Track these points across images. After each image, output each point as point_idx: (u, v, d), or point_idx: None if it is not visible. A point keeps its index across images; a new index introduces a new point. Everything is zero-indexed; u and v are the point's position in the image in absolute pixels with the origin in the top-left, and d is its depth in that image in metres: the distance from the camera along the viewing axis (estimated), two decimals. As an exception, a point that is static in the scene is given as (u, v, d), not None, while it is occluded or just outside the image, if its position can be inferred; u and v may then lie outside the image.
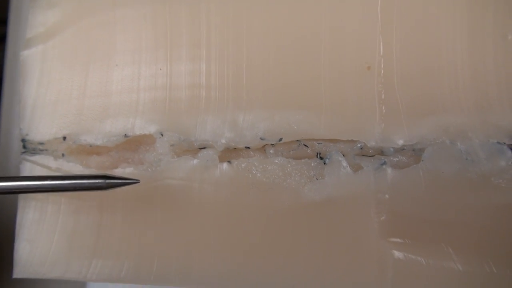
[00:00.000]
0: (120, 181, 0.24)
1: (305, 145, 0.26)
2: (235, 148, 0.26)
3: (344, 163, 0.25)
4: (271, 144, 0.26)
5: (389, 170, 0.25)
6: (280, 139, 0.26)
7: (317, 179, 0.25)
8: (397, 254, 0.24)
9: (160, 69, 0.27)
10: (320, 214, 0.25)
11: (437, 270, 0.24)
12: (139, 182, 0.24)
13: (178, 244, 0.26)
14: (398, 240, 0.24)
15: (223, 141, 0.26)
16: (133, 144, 0.28)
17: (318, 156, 0.26)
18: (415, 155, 0.25)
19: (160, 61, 0.27)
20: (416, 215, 0.25)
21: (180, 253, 0.26)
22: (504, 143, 0.24)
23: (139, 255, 0.26)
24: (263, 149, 0.27)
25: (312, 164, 0.26)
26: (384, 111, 0.25)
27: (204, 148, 0.26)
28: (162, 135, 0.26)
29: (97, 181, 0.24)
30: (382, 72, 0.25)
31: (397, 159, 0.25)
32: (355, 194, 0.25)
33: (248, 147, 0.26)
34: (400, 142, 0.25)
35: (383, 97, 0.25)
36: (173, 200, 0.26)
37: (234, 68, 0.26)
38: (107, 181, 0.24)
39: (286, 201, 0.25)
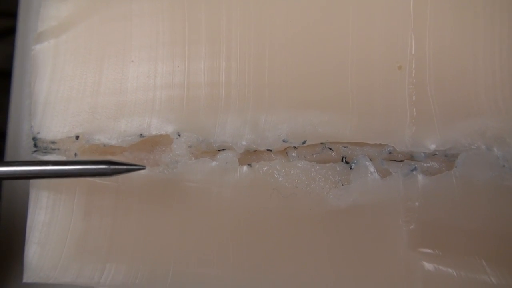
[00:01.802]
0: (124, 167, 0.23)
1: (330, 149, 0.25)
2: (255, 151, 0.25)
3: (372, 168, 0.24)
4: (294, 146, 0.25)
5: (419, 177, 0.24)
6: (304, 142, 0.24)
7: (342, 185, 0.24)
8: (427, 265, 0.23)
9: (178, 66, 0.26)
10: (345, 222, 0.24)
11: (469, 283, 0.23)
12: (144, 168, 0.23)
13: (195, 249, 0.25)
14: (428, 250, 0.23)
15: (244, 142, 0.25)
16: (148, 145, 0.27)
17: (344, 160, 0.24)
18: (447, 161, 0.24)
19: (177, 58, 0.26)
20: (447, 224, 0.23)
21: (197, 259, 0.25)
22: (541, 149, 0.23)
23: (154, 260, 0.25)
24: (285, 151, 0.25)
25: (338, 169, 0.24)
26: (415, 113, 0.24)
27: (223, 150, 0.25)
28: (179, 135, 0.25)
29: (101, 166, 0.22)
30: (414, 72, 0.24)
31: (428, 164, 0.24)
32: (383, 201, 0.24)
33: (270, 150, 0.25)
34: (432, 147, 0.23)
35: (414, 98, 0.24)
36: (190, 204, 0.25)
37: (256, 66, 0.25)
38: (111, 166, 0.22)
39: (309, 208, 0.24)
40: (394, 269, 0.23)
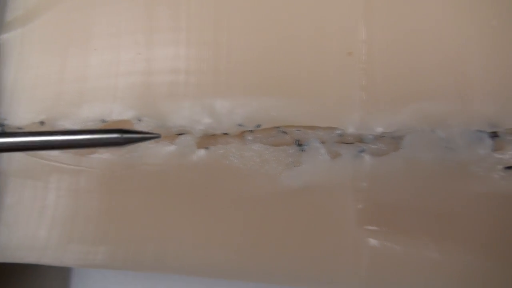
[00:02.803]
0: (138, 135, 0.21)
1: (284, 132, 0.26)
2: (213, 135, 0.26)
3: (322, 150, 0.25)
4: (250, 130, 0.26)
5: (367, 158, 0.25)
6: (258, 126, 0.25)
7: (294, 166, 0.25)
8: (373, 242, 0.24)
9: (139, 54, 0.27)
10: (297, 201, 0.25)
11: (414, 258, 0.24)
12: (160, 137, 0.22)
13: (154, 229, 0.26)
14: (375, 228, 0.24)
15: (201, 127, 0.26)
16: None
17: (297, 143, 0.26)
18: (394, 143, 0.25)
19: (139, 46, 0.27)
20: (394, 203, 0.24)
21: (156, 239, 0.26)
22: (484, 131, 0.24)
23: (115, 240, 0.26)
24: (242, 135, 0.26)
25: (290, 151, 0.25)
26: (364, 98, 0.25)
27: (182, 134, 0.26)
28: (139, 120, 0.26)
29: (113, 135, 0.21)
30: (364, 58, 0.25)
31: (376, 146, 0.25)
32: (333, 182, 0.25)
33: (227, 134, 0.26)
34: (379, 130, 0.24)
35: (364, 83, 0.25)
36: (151, 186, 0.26)
37: (214, 53, 0.26)
38: (125, 135, 0.21)
39: (262, 188, 0.25)
40: (343, 245, 0.24)
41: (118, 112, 0.27)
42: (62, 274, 0.37)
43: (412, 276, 0.24)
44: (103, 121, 0.26)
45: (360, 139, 0.25)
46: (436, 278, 0.24)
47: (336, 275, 0.25)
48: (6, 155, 0.28)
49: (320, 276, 0.25)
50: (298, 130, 0.26)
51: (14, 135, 0.21)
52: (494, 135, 0.24)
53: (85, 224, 0.26)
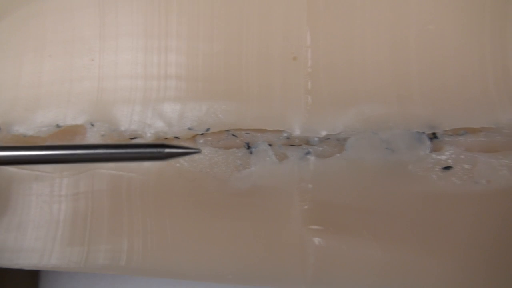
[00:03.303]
0: (180, 150, 0.21)
1: (234, 135, 0.26)
2: (166, 138, 0.27)
3: (270, 153, 0.26)
4: (201, 134, 0.26)
5: (313, 160, 0.25)
6: (208, 129, 0.26)
7: (243, 169, 0.26)
8: (319, 241, 0.25)
9: (92, 60, 0.27)
10: (246, 203, 0.26)
11: (358, 256, 0.25)
12: (200, 152, 0.22)
13: (107, 232, 0.26)
14: (320, 227, 0.25)
15: (152, 131, 0.26)
16: (68, 135, 0.28)
17: (246, 146, 0.26)
18: (339, 145, 0.26)
19: (92, 52, 0.27)
20: (338, 203, 0.25)
21: (110, 241, 0.26)
22: (424, 132, 0.24)
23: (69, 243, 0.27)
24: (193, 139, 0.27)
25: (239, 154, 0.26)
26: (310, 101, 0.25)
27: (135, 138, 0.27)
28: (92, 125, 0.27)
29: (155, 150, 0.21)
30: (310, 62, 0.26)
31: (322, 148, 0.26)
32: (280, 183, 0.25)
33: (178, 137, 0.27)
34: (324, 132, 0.25)
35: (309, 87, 0.26)
36: (104, 190, 0.27)
37: (163, 58, 0.27)
38: (166, 150, 0.21)
39: (212, 190, 0.26)
40: (289, 246, 0.25)
41: (72, 117, 0.27)
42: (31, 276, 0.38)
43: (356, 273, 0.25)
44: (58, 126, 0.27)
45: (307, 142, 0.26)
46: (378, 275, 0.25)
47: (283, 273, 0.25)
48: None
49: (267, 274, 0.26)
50: (247, 133, 0.26)
51: (57, 148, 0.22)
52: (433, 136, 0.25)
53: (36, 228, 0.27)
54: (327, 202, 0.25)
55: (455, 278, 0.24)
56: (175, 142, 0.26)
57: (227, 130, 0.26)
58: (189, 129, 0.26)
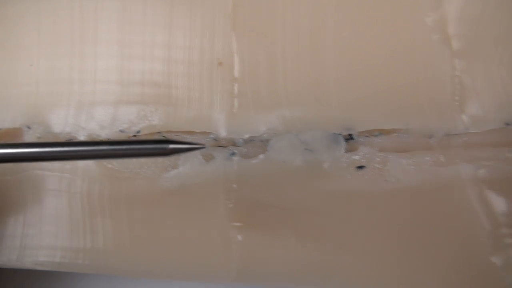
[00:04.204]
0: (185, 146, 0.22)
1: (164, 137, 0.28)
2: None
3: (197, 153, 0.27)
4: (133, 136, 0.28)
5: (238, 160, 0.27)
6: (138, 132, 0.27)
7: (172, 169, 0.27)
8: (242, 237, 0.26)
9: (31, 65, 0.28)
10: (175, 202, 0.27)
11: (279, 252, 0.26)
12: (205, 148, 0.23)
13: (44, 232, 0.27)
14: (244, 225, 0.26)
15: (85, 133, 0.27)
16: (8, 138, 0.29)
17: (176, 147, 0.27)
18: (263, 146, 0.27)
19: (31, 58, 0.28)
20: (261, 202, 0.26)
21: (46, 241, 0.27)
22: (340, 134, 0.26)
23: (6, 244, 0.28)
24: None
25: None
26: (235, 104, 0.27)
27: (70, 140, 0.28)
28: (29, 128, 0.28)
29: (160, 146, 0.21)
30: (235, 67, 0.27)
31: (246, 149, 0.27)
32: (207, 183, 0.27)
33: (110, 139, 0.28)
34: (248, 134, 0.26)
35: (235, 91, 0.27)
36: (39, 191, 0.28)
37: (94, 63, 0.28)
38: (171, 146, 0.21)
39: (143, 190, 0.27)
40: (215, 243, 0.26)
41: (10, 119, 0.28)
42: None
43: (277, 268, 0.26)
44: (-2, 128, 0.28)
45: (233, 143, 0.27)
46: (298, 270, 0.26)
47: (210, 269, 0.26)
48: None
49: (196, 270, 0.27)
50: (176, 135, 0.27)
51: (59, 145, 0.22)
52: (349, 137, 0.26)
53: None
54: (250, 200, 0.26)
55: (369, 274, 0.25)
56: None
57: (158, 132, 0.28)
58: (121, 131, 0.27)
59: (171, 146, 0.21)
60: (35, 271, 0.29)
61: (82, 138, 0.27)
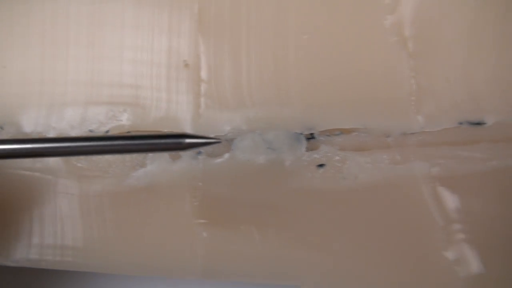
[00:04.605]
0: (202, 140, 0.22)
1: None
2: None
3: (165, 153, 0.28)
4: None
5: (203, 159, 0.27)
6: (107, 131, 0.28)
7: (140, 168, 0.28)
8: (207, 234, 0.27)
9: (4, 67, 0.29)
10: (143, 200, 0.28)
11: (242, 247, 0.27)
12: (220, 142, 0.23)
13: (21, 230, 0.28)
14: (209, 221, 0.27)
15: (56, 133, 0.28)
16: (-16, 137, 0.30)
17: (145, 147, 0.28)
18: (228, 145, 0.28)
19: (4, 59, 0.29)
20: (225, 199, 0.27)
21: (18, 238, 0.28)
22: (302, 133, 0.27)
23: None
24: (98, 140, 0.29)
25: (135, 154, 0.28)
26: (202, 105, 0.27)
27: (41, 139, 0.29)
28: (1, 128, 0.29)
29: (176, 140, 0.21)
30: (202, 69, 0.28)
31: (212, 149, 0.28)
32: (174, 182, 0.27)
33: (81, 139, 0.28)
34: (213, 133, 0.27)
35: (201, 92, 0.28)
36: (14, 190, 0.28)
37: (64, 64, 0.28)
38: (187, 140, 0.21)
39: (110, 189, 0.28)
40: (182, 239, 0.27)
41: None
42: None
43: (241, 263, 0.27)
44: (-29, 129, 0.29)
45: (200, 142, 0.28)
46: (261, 265, 0.26)
47: (177, 264, 0.27)
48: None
49: (162, 266, 0.27)
50: (145, 135, 0.28)
51: (75, 140, 0.22)
52: (310, 137, 0.27)
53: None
54: (215, 198, 0.27)
55: (328, 268, 0.26)
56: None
57: (128, 132, 0.28)
58: (90, 131, 0.28)
59: (188, 140, 0.21)
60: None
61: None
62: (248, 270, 0.27)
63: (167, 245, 0.27)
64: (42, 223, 0.28)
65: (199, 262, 0.27)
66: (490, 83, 0.25)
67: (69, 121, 0.28)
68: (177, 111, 0.28)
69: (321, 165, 0.26)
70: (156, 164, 0.28)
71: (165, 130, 0.28)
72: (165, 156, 0.28)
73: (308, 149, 0.27)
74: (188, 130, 0.27)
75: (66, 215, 0.28)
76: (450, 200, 0.25)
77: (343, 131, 0.27)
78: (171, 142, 0.21)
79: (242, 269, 0.27)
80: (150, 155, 0.28)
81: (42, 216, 0.28)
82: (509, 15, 0.25)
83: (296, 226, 0.26)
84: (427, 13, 0.26)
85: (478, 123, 0.25)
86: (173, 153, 0.27)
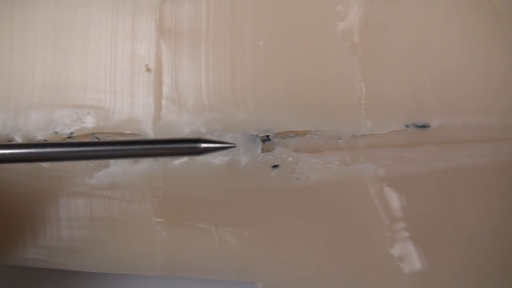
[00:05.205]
0: (217, 145, 0.22)
1: (98, 138, 0.29)
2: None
3: (126, 154, 0.29)
4: (68, 137, 0.29)
5: (163, 160, 0.28)
6: (72, 133, 0.29)
7: (103, 168, 0.29)
8: (166, 233, 0.28)
9: None
10: (105, 201, 0.29)
11: (201, 246, 0.28)
12: (235, 147, 0.24)
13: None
14: (167, 220, 0.28)
15: (22, 134, 0.29)
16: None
17: (109, 148, 0.29)
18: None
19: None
20: (184, 198, 0.28)
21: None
22: (258, 135, 0.28)
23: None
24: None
25: (99, 155, 0.29)
26: (163, 107, 0.28)
27: (10, 141, 0.30)
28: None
29: (191, 145, 0.21)
30: (163, 73, 0.29)
31: (173, 150, 0.29)
32: (135, 182, 0.28)
33: (46, 140, 0.29)
34: (173, 135, 0.28)
35: (163, 95, 0.29)
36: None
37: (34, 69, 0.29)
38: (203, 145, 0.22)
39: (76, 188, 0.29)
40: (143, 238, 0.28)
41: None
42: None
43: (200, 260, 0.28)
44: None
45: (161, 144, 0.29)
46: (219, 262, 0.28)
47: (137, 262, 0.28)
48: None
49: (125, 263, 0.28)
50: (108, 136, 0.29)
51: (94, 145, 0.22)
52: (266, 139, 0.28)
53: None
54: (174, 197, 0.28)
55: (284, 265, 0.27)
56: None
57: (93, 134, 0.29)
58: (55, 132, 0.29)
59: (203, 145, 0.21)
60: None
61: (18, 140, 0.29)
62: (206, 267, 0.28)
63: (128, 243, 0.28)
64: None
65: (158, 259, 0.28)
66: (435, 88, 0.26)
67: (36, 124, 0.29)
68: (139, 114, 0.29)
69: (275, 166, 0.27)
70: (119, 165, 0.29)
71: (124, 131, 0.29)
72: (127, 157, 0.29)
73: (264, 150, 0.28)
74: (149, 132, 0.28)
75: (37, 215, 0.29)
76: (396, 200, 0.26)
77: (297, 133, 0.28)
78: (186, 147, 0.21)
79: (200, 265, 0.28)
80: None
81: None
82: (454, 20, 0.27)
83: (252, 224, 0.27)
84: (375, 19, 0.27)
85: (423, 126, 0.26)
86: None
